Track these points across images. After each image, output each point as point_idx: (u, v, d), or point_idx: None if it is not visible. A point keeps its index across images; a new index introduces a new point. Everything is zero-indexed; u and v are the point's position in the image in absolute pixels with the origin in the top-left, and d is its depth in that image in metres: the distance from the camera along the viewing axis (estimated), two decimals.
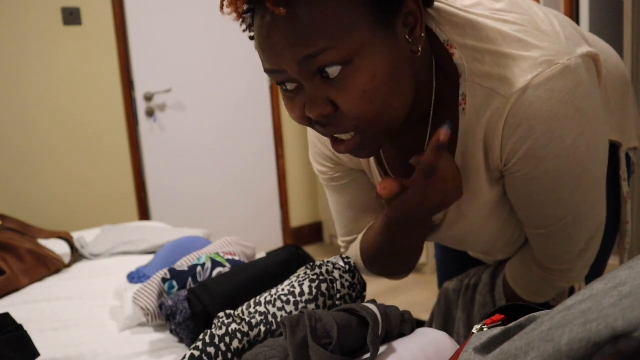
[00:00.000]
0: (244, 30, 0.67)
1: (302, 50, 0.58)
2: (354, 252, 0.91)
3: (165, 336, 1.03)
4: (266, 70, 0.64)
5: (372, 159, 0.84)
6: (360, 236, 0.91)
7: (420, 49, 0.64)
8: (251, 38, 0.66)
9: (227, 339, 0.70)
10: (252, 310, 0.75)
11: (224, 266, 1.06)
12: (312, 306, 0.76)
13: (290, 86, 0.64)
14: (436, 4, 0.70)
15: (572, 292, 0.94)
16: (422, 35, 0.64)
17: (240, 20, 0.63)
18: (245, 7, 0.60)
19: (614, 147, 0.90)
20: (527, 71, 0.63)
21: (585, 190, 0.72)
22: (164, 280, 1.03)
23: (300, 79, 0.61)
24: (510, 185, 0.74)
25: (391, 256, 0.86)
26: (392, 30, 0.61)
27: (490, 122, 0.67)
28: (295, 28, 0.57)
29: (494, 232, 0.84)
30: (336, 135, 0.67)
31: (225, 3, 0.60)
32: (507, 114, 0.65)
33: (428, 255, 2.87)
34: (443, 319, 1.07)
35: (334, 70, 0.59)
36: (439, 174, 0.68)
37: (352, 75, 0.59)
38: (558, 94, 0.63)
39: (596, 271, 0.91)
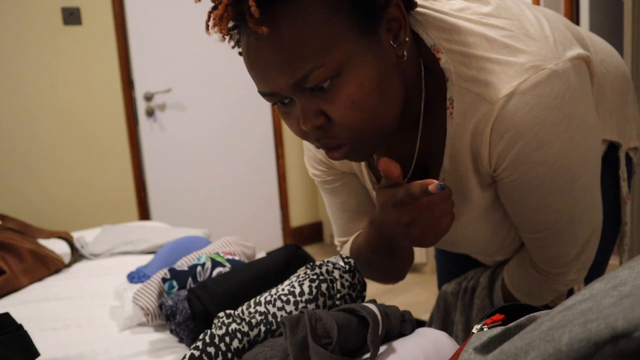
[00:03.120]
0: (233, 47, 0.67)
1: (292, 75, 0.59)
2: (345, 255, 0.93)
3: (165, 336, 1.03)
4: (260, 93, 0.65)
5: (363, 163, 0.84)
6: (350, 240, 0.93)
7: (405, 53, 0.65)
8: (241, 54, 0.66)
9: (227, 339, 0.70)
10: (252, 310, 0.75)
11: (224, 266, 1.06)
12: (312, 306, 0.76)
13: (283, 102, 0.65)
14: (422, 9, 0.70)
15: (570, 293, 0.93)
16: (407, 39, 0.64)
17: (228, 38, 0.64)
18: (231, 23, 0.61)
19: (613, 148, 0.90)
20: (513, 77, 0.63)
21: (578, 194, 0.72)
22: (164, 280, 1.03)
23: (293, 96, 0.62)
24: (501, 191, 0.74)
25: (374, 266, 0.87)
26: (377, 38, 0.61)
27: (477, 127, 0.67)
28: (281, 51, 0.58)
29: (487, 235, 0.84)
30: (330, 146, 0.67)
31: (210, 24, 0.61)
32: (494, 120, 0.65)
33: (428, 255, 2.87)
34: (442, 322, 1.07)
35: (327, 84, 0.60)
36: (423, 206, 0.67)
37: (341, 86, 0.60)
38: (545, 99, 0.63)
39: (596, 272, 0.90)
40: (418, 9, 0.70)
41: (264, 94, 0.64)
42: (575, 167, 0.68)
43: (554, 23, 0.70)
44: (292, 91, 0.61)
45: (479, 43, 0.66)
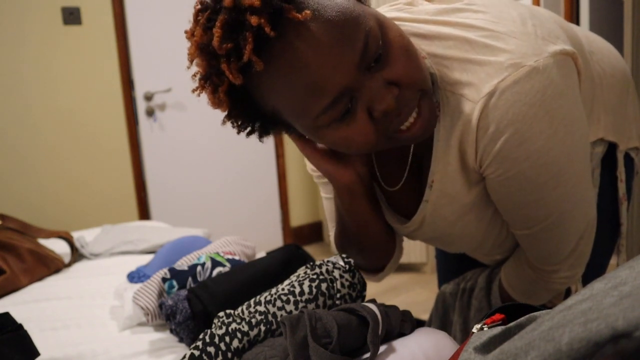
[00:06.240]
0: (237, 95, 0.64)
1: (353, 48, 0.58)
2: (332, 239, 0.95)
3: (165, 336, 1.03)
4: (325, 108, 0.60)
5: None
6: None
7: None
8: (238, 105, 0.65)
9: (227, 339, 0.70)
10: (252, 309, 0.75)
11: (224, 266, 1.06)
12: (312, 305, 0.76)
13: (346, 107, 0.62)
14: (400, 22, 0.72)
15: (568, 293, 0.93)
16: None
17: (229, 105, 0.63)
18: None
19: (612, 148, 0.90)
20: (493, 76, 0.64)
21: (565, 189, 0.72)
22: (164, 279, 1.04)
23: (360, 80, 0.60)
24: (489, 188, 0.75)
25: (348, 233, 0.88)
26: None
27: (463, 128, 0.68)
28: (334, 28, 0.57)
29: (480, 233, 0.84)
30: (402, 127, 0.65)
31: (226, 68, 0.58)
32: (478, 118, 0.66)
33: (428, 255, 2.87)
34: (440, 322, 1.07)
35: (379, 49, 0.60)
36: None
37: (390, 42, 0.61)
38: (525, 96, 0.63)
39: (596, 273, 0.90)
40: (395, 22, 0.71)
41: (331, 104, 0.60)
42: (561, 162, 0.68)
43: (540, 20, 0.70)
44: (357, 73, 0.59)
45: (460, 45, 0.67)
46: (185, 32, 0.62)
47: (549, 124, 0.65)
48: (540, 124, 0.64)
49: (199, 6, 0.61)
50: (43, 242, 1.75)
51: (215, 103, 0.63)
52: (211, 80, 0.61)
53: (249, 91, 0.63)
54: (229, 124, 0.69)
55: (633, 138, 0.91)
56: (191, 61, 0.62)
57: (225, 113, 0.66)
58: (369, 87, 0.60)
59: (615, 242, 0.96)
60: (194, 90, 0.64)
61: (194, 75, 0.63)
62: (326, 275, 0.79)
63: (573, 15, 2.48)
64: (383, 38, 0.60)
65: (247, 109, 0.66)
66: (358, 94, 0.61)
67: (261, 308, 0.75)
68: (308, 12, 0.55)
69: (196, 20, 0.61)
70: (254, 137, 0.73)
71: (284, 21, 0.56)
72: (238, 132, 0.69)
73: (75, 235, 1.99)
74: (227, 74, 0.58)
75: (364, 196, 0.81)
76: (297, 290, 0.77)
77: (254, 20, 0.54)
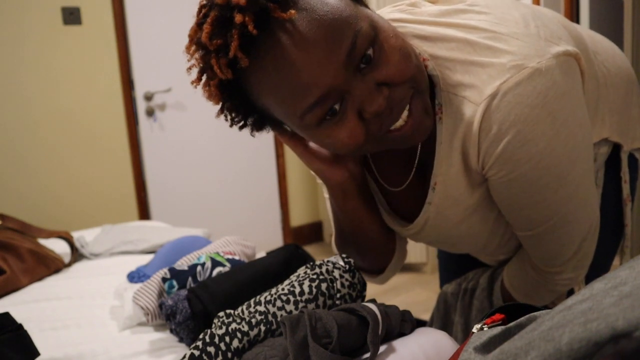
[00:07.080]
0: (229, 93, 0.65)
1: (340, 48, 0.58)
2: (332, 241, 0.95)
3: (165, 336, 1.03)
4: (310, 106, 0.60)
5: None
6: None
7: None
8: (232, 106, 0.66)
9: (227, 339, 0.70)
10: (252, 309, 0.75)
11: (224, 265, 1.06)
12: (312, 305, 0.76)
13: (334, 107, 0.61)
14: (402, 23, 0.72)
15: (571, 293, 0.93)
16: None
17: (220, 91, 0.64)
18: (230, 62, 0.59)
19: (616, 148, 0.89)
20: (495, 77, 0.64)
21: (568, 190, 0.71)
22: (164, 279, 1.04)
23: (349, 81, 0.60)
24: (492, 189, 0.75)
25: (344, 233, 0.88)
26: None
27: (466, 130, 0.68)
28: (321, 27, 0.57)
29: (485, 234, 0.84)
30: (392, 128, 0.65)
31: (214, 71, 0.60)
32: (480, 120, 0.66)
33: (428, 254, 2.87)
34: (442, 322, 1.07)
35: (371, 51, 0.60)
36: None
37: (383, 43, 0.61)
38: (527, 98, 0.63)
39: (599, 274, 0.89)
40: (398, 23, 0.71)
41: (316, 103, 0.60)
42: (563, 164, 0.68)
43: (543, 21, 0.69)
44: (345, 73, 0.59)
45: (462, 47, 0.67)
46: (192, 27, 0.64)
47: (552, 125, 0.65)
48: (543, 126, 0.64)
49: (203, 2, 0.62)
50: (43, 242, 1.75)
51: (209, 95, 0.65)
52: (206, 74, 0.63)
53: (241, 87, 0.65)
54: (222, 118, 0.71)
55: (637, 139, 0.91)
56: (191, 55, 0.64)
57: (219, 106, 0.67)
58: (360, 88, 0.61)
59: (619, 243, 0.96)
60: (192, 82, 0.65)
61: (189, 68, 0.65)
62: (326, 275, 0.79)
63: (573, 15, 2.48)
64: (376, 40, 0.60)
65: (239, 104, 0.67)
66: (348, 95, 0.61)
67: (261, 308, 0.75)
68: (293, 11, 0.56)
69: (197, 16, 0.62)
70: (254, 138, 0.73)
71: (271, 20, 0.57)
72: (231, 125, 0.70)
73: (75, 235, 1.99)
74: (215, 69, 0.59)
75: (358, 195, 0.81)
76: (297, 290, 0.77)
77: (238, 18, 0.56)
